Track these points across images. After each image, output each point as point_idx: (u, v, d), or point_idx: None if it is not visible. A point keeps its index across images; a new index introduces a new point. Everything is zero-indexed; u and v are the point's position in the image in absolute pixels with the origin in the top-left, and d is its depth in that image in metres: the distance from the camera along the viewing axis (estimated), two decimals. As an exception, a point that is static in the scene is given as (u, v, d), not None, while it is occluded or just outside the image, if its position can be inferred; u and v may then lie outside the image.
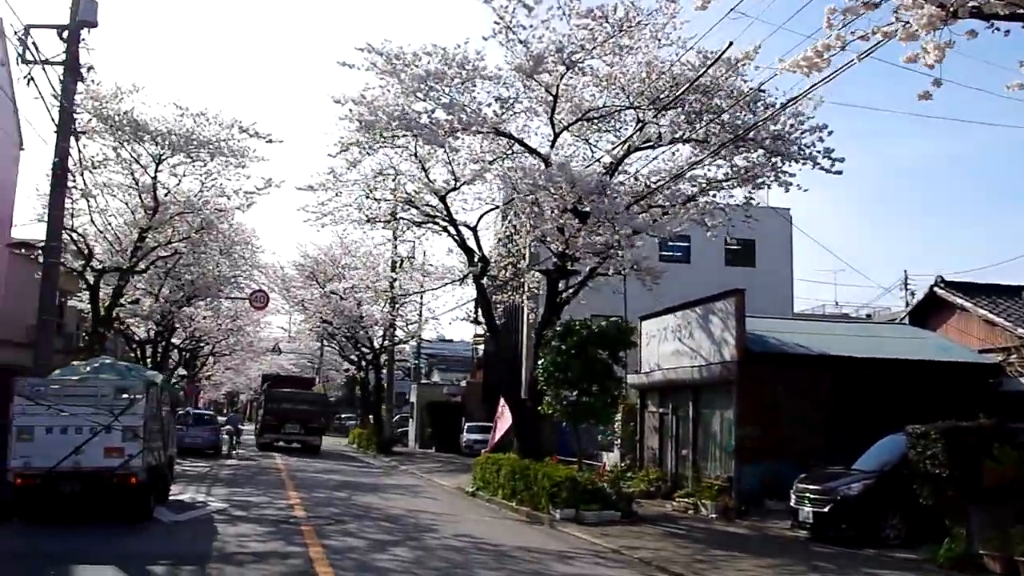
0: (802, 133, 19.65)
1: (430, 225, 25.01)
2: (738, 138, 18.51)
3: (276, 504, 19.68)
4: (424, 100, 19.40)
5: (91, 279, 26.79)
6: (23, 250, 21.79)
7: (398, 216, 24.78)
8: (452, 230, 24.25)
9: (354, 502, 20.85)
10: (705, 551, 14.90)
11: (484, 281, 25.01)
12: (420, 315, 47.27)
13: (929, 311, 24.61)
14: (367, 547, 14.02)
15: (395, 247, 41.41)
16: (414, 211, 24.25)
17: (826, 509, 16.12)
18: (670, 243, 34.22)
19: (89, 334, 27.70)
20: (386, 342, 48.56)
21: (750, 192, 20.82)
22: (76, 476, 14.70)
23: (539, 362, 20.96)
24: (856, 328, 28.36)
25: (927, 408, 17.35)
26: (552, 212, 19.36)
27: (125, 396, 15.07)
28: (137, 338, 39.96)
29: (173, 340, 49.07)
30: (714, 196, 21.09)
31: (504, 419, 26.98)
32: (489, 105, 19.75)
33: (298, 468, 31.89)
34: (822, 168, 19.48)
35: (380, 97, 19.55)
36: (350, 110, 18.94)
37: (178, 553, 12.81)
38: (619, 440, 26.89)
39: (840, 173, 19.78)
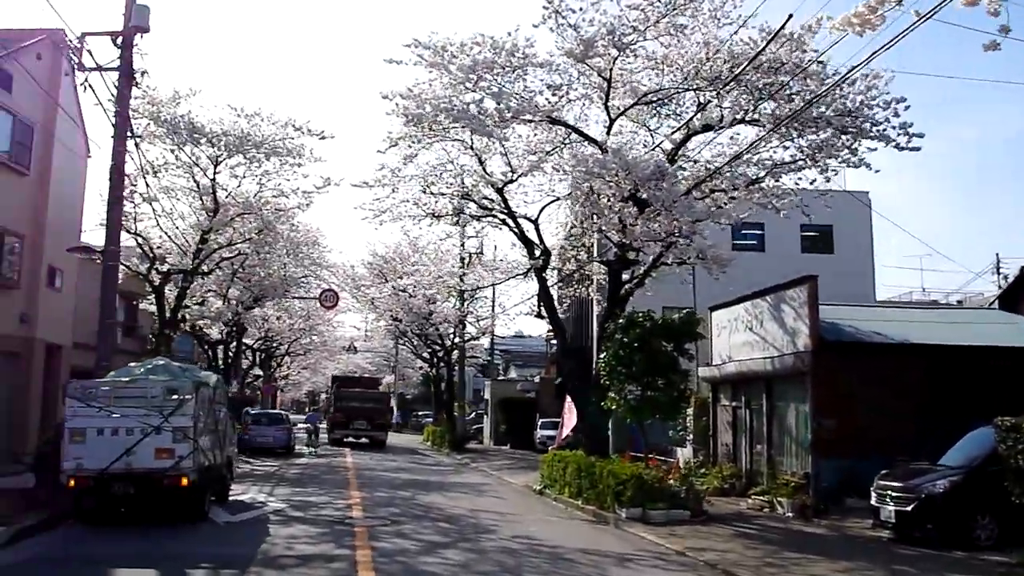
0: (874, 108, 18.52)
1: (489, 219, 24.50)
2: (802, 112, 17.44)
3: (335, 504, 19.40)
4: (473, 91, 18.81)
5: (156, 281, 26.90)
6: (83, 254, 21.79)
7: (458, 211, 24.20)
8: (511, 223, 23.76)
9: (416, 502, 20.42)
10: (777, 553, 14.08)
11: (546, 274, 24.36)
12: (492, 310, 46.95)
13: (1020, 295, 23.24)
14: (418, 550, 13.53)
15: (463, 243, 41.27)
16: (472, 205, 23.70)
17: (909, 508, 15.15)
18: (743, 231, 33.10)
19: (156, 336, 27.79)
20: (456, 339, 48.17)
21: (821, 174, 19.68)
22: (128, 478, 14.55)
23: (600, 356, 20.27)
24: (941, 314, 26.97)
25: (1019, 398, 16.17)
26: (608, 201, 18.65)
27: (175, 397, 14.87)
28: (209, 339, 40.25)
29: (246, 340, 49.71)
30: (781, 179, 20.01)
31: (571, 415, 26.31)
32: (541, 93, 19.10)
33: (366, 467, 31.70)
34: (897, 146, 18.33)
35: (428, 90, 19.04)
36: (396, 104, 18.48)
37: (222, 555, 12.56)
38: (691, 436, 26.00)
39: (918, 149, 18.59)
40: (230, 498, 19.41)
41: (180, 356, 41.88)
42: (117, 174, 20.77)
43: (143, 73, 21.21)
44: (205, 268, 28.52)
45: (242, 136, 25.49)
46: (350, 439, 47.42)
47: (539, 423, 45.09)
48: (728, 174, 18.86)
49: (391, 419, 58.76)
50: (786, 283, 21.05)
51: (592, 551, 14.02)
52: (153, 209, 26.42)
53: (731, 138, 19.76)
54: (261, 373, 62.63)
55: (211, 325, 37.95)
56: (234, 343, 42.96)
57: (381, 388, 60.17)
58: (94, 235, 30.25)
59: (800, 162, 19.25)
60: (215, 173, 26.16)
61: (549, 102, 18.93)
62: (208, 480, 16.23)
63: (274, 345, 58.76)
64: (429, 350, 56.15)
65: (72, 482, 14.42)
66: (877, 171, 18.56)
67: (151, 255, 26.50)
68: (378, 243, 54.71)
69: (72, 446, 14.45)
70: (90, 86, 20.30)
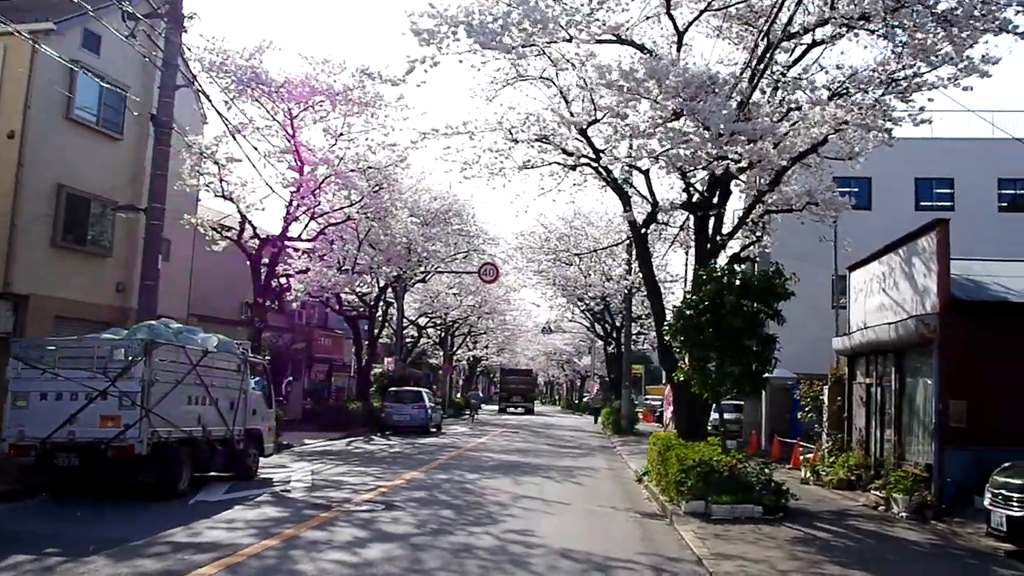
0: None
1: (584, 168, 21.82)
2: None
3: (368, 485, 17.65)
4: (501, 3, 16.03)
5: (253, 249, 26.10)
6: (129, 212, 20.99)
7: (545, 160, 21.75)
8: (603, 171, 20.96)
9: (468, 486, 18.35)
10: (816, 567, 10.72)
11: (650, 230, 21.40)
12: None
13: None
14: (345, 543, 11.33)
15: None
16: (553, 151, 21.27)
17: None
18: (850, 181, 28.44)
19: (250, 305, 27.01)
20: (621, 318, 45.52)
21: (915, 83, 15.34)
22: (72, 448, 13.21)
23: (667, 319, 17.21)
24: None
25: None
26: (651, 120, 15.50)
27: (121, 358, 13.27)
28: (352, 313, 39.68)
29: (414, 319, 49.25)
30: (867, 93, 15.87)
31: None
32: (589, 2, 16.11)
33: (484, 448, 30.37)
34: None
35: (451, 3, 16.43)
36: (412, 22, 16.02)
37: (116, 539, 10.76)
38: (826, 419, 22.28)
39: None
40: (260, 474, 18.25)
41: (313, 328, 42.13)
42: (161, 127, 19.78)
43: (191, 17, 20.11)
44: (306, 236, 27.42)
45: (312, 87, 24.07)
46: (510, 409, 74.15)
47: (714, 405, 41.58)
48: (806, 81, 15.15)
49: (536, 395, 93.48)
50: (916, 231, 17.05)
51: (581, 556, 11.34)
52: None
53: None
54: (443, 352, 62.43)
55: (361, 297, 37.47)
56: (380, 317, 42.02)
57: (531, 376, 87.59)
58: (211, 204, 29.79)
59: (888, 68, 15.02)
60: (293, 129, 24.82)
61: (592, 15, 15.89)
62: (183, 454, 14.72)
63: (452, 323, 57.88)
64: (604, 329, 53.99)
65: (12, 451, 13.15)
66: (988, 75, 14.10)
67: (240, 220, 25.62)
68: (550, 214, 53.15)
69: (14, 412, 13.23)
70: (134, 36, 19.29)
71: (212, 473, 16.89)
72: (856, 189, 30.88)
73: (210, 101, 24.02)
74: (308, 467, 20.88)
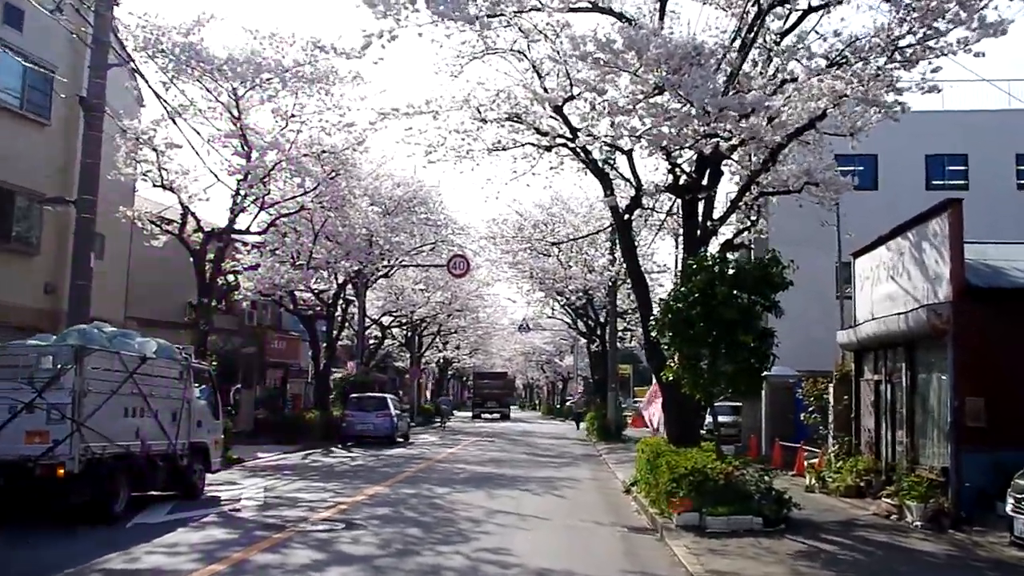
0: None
1: (560, 150, 21.77)
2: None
3: (327, 502, 17.66)
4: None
5: (196, 243, 25.95)
6: (57, 205, 20.82)
7: (517, 141, 21.76)
8: (581, 152, 20.97)
9: (439, 501, 18.43)
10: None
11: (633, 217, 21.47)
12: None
13: None
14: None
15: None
16: (526, 131, 21.33)
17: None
18: (853, 159, 28.58)
19: (195, 306, 26.87)
20: (605, 313, 45.65)
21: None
22: (-6, 466, 12.98)
23: (653, 313, 17.24)
24: None
25: None
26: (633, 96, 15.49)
27: (48, 367, 13.14)
28: (304, 312, 39.55)
29: (378, 318, 49.19)
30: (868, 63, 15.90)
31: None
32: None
33: (458, 459, 30.39)
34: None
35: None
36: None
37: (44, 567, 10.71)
38: (831, 420, 22.41)
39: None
40: (207, 492, 18.21)
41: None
42: (92, 111, 19.62)
43: (121, -10, 19.94)
44: (255, 228, 27.31)
45: (259, 64, 23.97)
46: (485, 414, 76.63)
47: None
48: (802, 51, 15.20)
49: (512, 399, 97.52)
50: (927, 212, 17.15)
51: (556, 574, 11.28)
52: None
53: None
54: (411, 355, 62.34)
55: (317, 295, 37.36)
56: (340, 316, 41.88)
57: (507, 379, 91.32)
58: (149, 194, 29.56)
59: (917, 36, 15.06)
60: (239, 111, 24.66)
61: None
62: (120, 471, 14.63)
63: (419, 323, 57.81)
64: (586, 325, 54.01)
65: (-70, 472, 12.98)
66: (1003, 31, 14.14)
67: (182, 212, 25.45)
68: (526, 200, 53.17)
69: (-62, 427, 13.01)
70: (60, 9, 19.14)
71: (153, 492, 16.61)
72: (860, 168, 30.71)
73: (146, 81, 23.71)
74: (260, 484, 20.80)
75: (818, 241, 26.71)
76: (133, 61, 22.73)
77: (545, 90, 20.37)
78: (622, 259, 22.70)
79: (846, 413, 21.79)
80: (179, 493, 17.12)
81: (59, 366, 13.30)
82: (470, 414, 79.97)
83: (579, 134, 19.92)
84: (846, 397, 21.87)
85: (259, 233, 29.20)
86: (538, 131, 21.18)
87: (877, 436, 19.92)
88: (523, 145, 21.94)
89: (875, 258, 20.33)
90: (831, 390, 22.78)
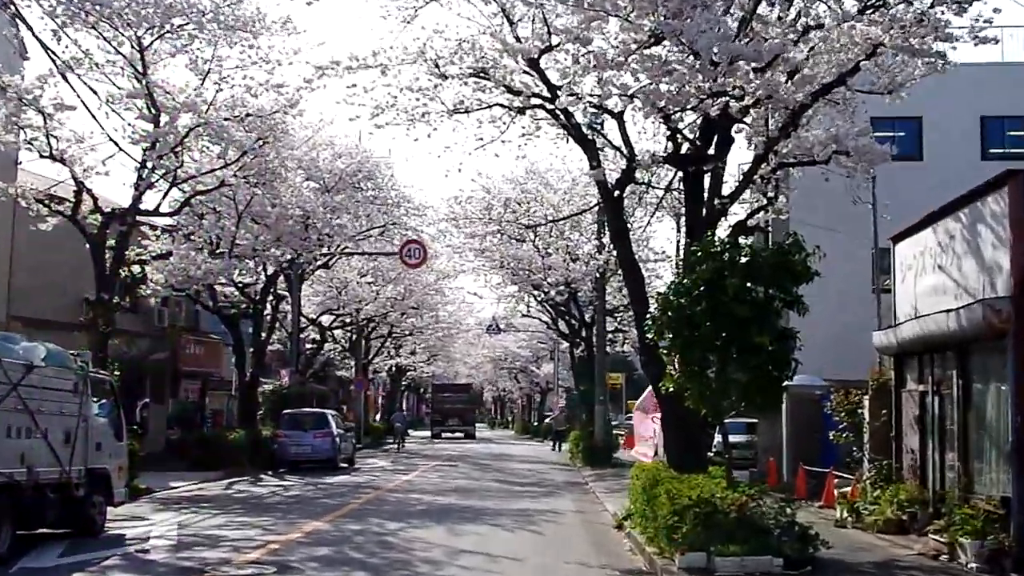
0: None
1: (536, 112, 21.92)
2: None
3: (255, 541, 18.06)
4: None
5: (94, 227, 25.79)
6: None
7: (484, 102, 21.94)
8: (560, 115, 21.08)
9: (390, 539, 18.85)
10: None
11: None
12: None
13: None
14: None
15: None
16: (507, 94, 21.48)
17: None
18: (892, 123, 28.80)
19: (92, 303, 26.71)
20: (592, 311, 45.84)
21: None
22: None
23: (650, 310, 17.35)
24: None
25: None
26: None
27: None
28: (231, 311, 39.46)
29: (314, 317, 49.20)
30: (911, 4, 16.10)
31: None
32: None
33: (415, 488, 30.84)
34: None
35: None
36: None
37: None
38: (868, 439, 22.53)
39: None
40: (109, 529, 18.55)
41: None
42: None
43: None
44: (166, 208, 27.24)
45: (167, 7, 23.87)
46: (446, 434, 79.62)
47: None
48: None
49: (478, 415, 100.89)
50: (982, 187, 17.25)
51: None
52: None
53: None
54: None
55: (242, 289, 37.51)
56: (270, 315, 41.83)
57: (472, 391, 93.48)
58: (36, 167, 29.35)
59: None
60: (145, 65, 24.52)
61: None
62: (2, 505, 14.91)
63: (366, 322, 57.83)
64: (568, 325, 54.20)
65: None
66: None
67: (79, 188, 25.32)
68: (496, 176, 53.47)
69: None
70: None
71: (43, 530, 16.80)
72: (901, 133, 31.26)
73: (31, 29, 23.65)
74: (173, 519, 21.03)
75: (850, 223, 26.92)
76: (13, 3, 22.39)
77: (517, 39, 20.57)
78: (611, 245, 22.78)
79: (885, 431, 21.97)
80: (74, 530, 17.32)
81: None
82: (429, 433, 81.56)
83: (559, 93, 20.03)
84: (884, 412, 22.06)
85: (170, 214, 29.23)
86: (509, 89, 21.29)
87: (923, 459, 20.10)
88: (491, 107, 22.10)
89: (919, 243, 20.45)
90: (866, 403, 22.94)
